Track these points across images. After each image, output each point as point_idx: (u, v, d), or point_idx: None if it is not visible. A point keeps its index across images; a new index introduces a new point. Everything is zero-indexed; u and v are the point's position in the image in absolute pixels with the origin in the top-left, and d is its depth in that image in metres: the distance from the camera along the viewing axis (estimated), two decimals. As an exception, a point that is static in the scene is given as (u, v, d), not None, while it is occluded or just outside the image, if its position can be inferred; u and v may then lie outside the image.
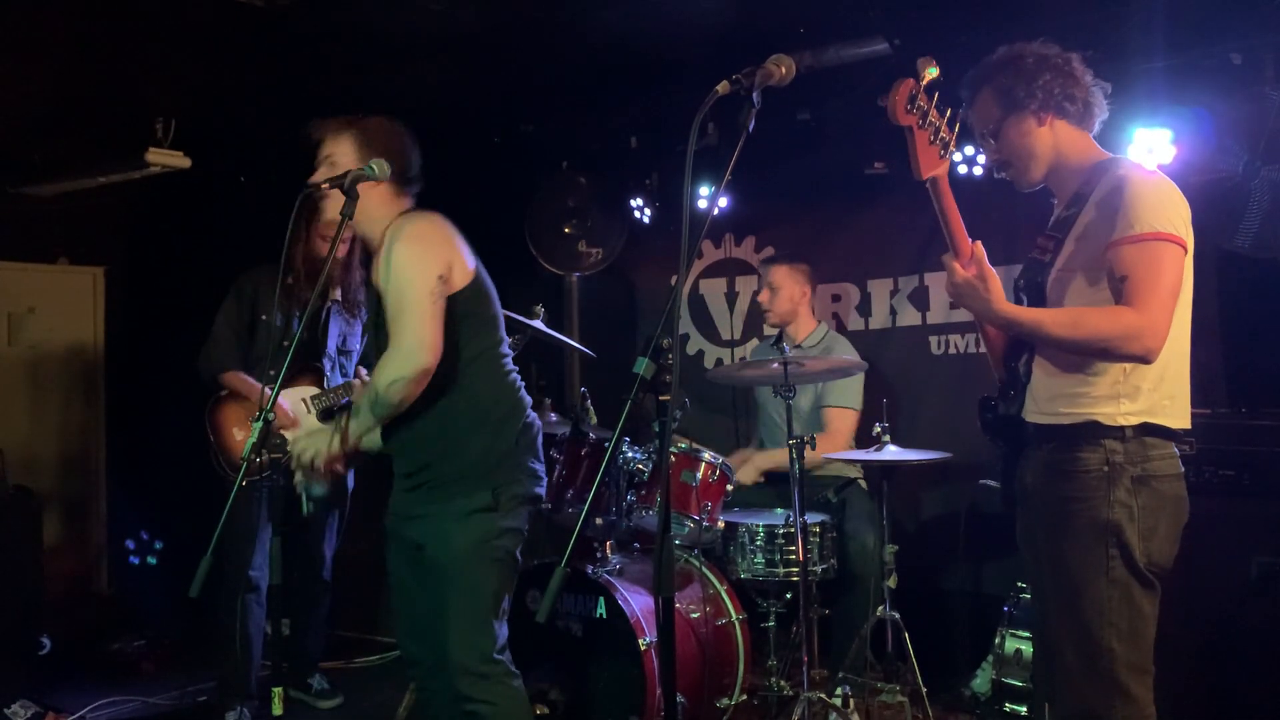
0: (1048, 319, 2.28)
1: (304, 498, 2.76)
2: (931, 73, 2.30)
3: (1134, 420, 2.27)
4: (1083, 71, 2.45)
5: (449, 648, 2.64)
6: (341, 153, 2.76)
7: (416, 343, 2.56)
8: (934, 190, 2.37)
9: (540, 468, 2.81)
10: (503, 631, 2.70)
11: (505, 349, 2.83)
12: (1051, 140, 2.42)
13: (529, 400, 2.85)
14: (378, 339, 2.75)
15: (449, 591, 2.65)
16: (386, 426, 2.72)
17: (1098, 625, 2.25)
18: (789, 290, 4.42)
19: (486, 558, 2.65)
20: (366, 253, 4.10)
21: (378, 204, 2.75)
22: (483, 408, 2.70)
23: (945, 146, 2.35)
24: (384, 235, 2.71)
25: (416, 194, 2.85)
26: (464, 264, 2.71)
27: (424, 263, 2.62)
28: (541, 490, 2.80)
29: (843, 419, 4.32)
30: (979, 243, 2.32)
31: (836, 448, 4.15)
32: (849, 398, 4.34)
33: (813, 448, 3.68)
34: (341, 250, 4.02)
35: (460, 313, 2.67)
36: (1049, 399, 2.37)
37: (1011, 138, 2.44)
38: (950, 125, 2.35)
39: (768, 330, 5.15)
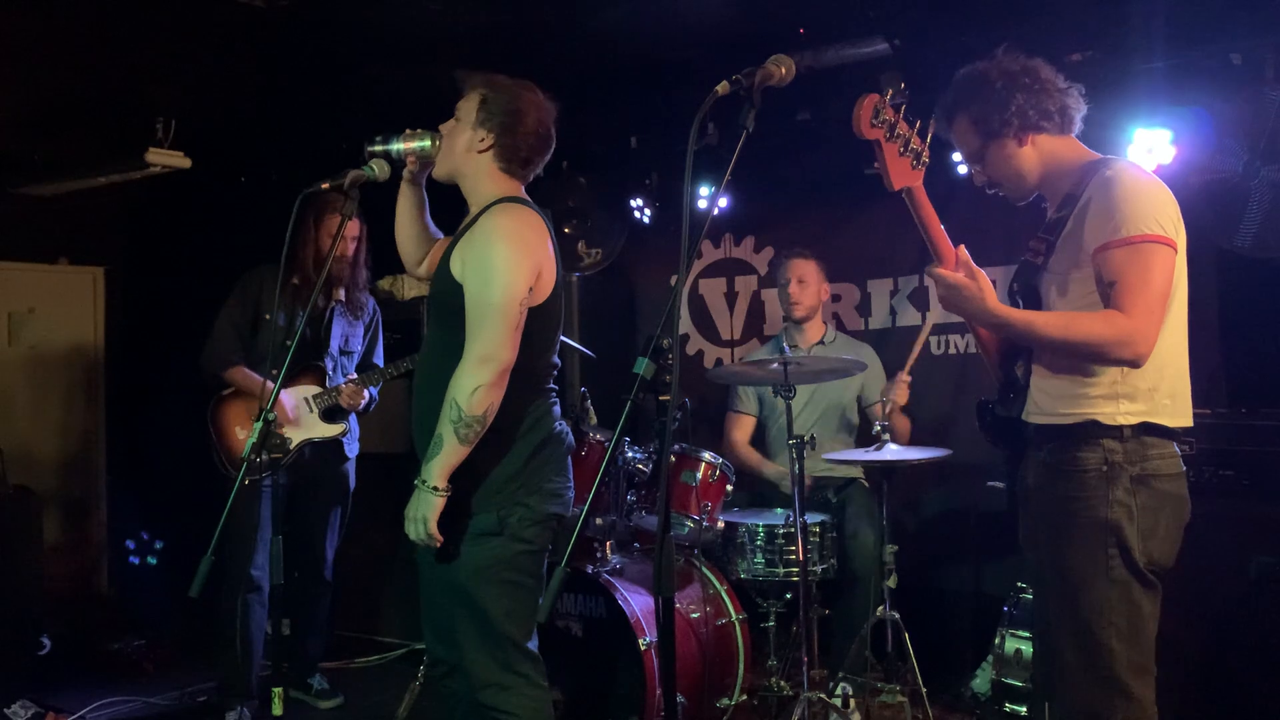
0: (1040, 320, 2.27)
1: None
2: (894, 85, 2.31)
3: (1133, 420, 2.27)
4: (1052, 79, 2.42)
5: (465, 661, 2.60)
6: (466, 111, 2.66)
7: (495, 346, 2.46)
8: (910, 201, 2.37)
9: (561, 483, 2.67)
10: (529, 644, 2.62)
11: (552, 371, 2.72)
12: (1036, 156, 2.42)
13: (558, 414, 2.72)
14: (438, 316, 2.64)
15: (461, 609, 2.60)
16: (419, 428, 2.63)
17: (1098, 625, 2.25)
18: (815, 285, 4.42)
19: (495, 580, 2.56)
20: (371, 253, 4.15)
21: (482, 175, 2.65)
22: (500, 426, 2.56)
23: (917, 157, 2.35)
24: (481, 215, 2.59)
25: (532, 176, 2.72)
26: (551, 277, 2.61)
27: (520, 270, 2.50)
28: (560, 508, 2.67)
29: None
30: (962, 246, 2.32)
31: (906, 430, 4.21)
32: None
33: (813, 448, 3.68)
34: (348, 250, 4.03)
35: (525, 328, 2.55)
36: (1048, 400, 2.37)
37: (996, 163, 2.44)
38: (921, 135, 2.35)
39: (766, 330, 5.18)
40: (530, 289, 2.54)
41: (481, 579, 2.56)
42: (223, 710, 3.92)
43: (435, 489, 2.48)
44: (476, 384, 2.46)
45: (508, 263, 2.51)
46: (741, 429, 4.57)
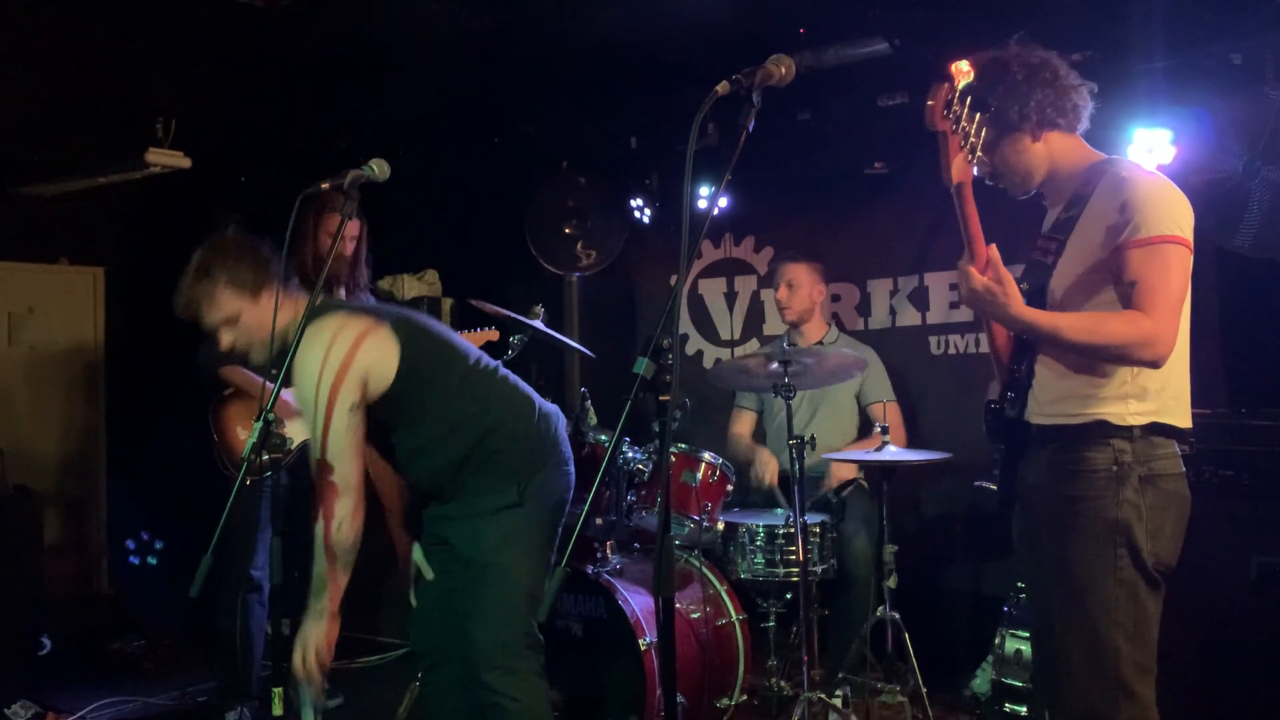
0: (1065, 323, 2.26)
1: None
2: (964, 75, 2.27)
3: (1143, 420, 2.27)
4: (1068, 76, 2.41)
5: (477, 640, 2.65)
6: (224, 305, 2.69)
7: (342, 483, 2.54)
8: (958, 196, 2.36)
9: (565, 451, 2.80)
10: (532, 628, 2.69)
11: (481, 363, 2.79)
12: (1046, 153, 2.41)
13: (533, 394, 2.81)
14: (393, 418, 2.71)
15: (479, 586, 2.66)
16: (406, 476, 2.74)
17: (1105, 625, 2.24)
18: (807, 289, 4.41)
19: (516, 550, 2.66)
20: (372, 252, 4.16)
21: (285, 316, 2.68)
22: (482, 428, 2.68)
23: (973, 152, 2.32)
24: (295, 341, 2.55)
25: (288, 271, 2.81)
26: (385, 363, 2.62)
27: (341, 399, 2.54)
28: (568, 479, 2.79)
29: (895, 411, 4.34)
30: (993, 246, 2.31)
31: (901, 440, 4.15)
32: (890, 390, 4.37)
33: (813, 448, 3.68)
34: (348, 249, 4.03)
35: (407, 389, 2.62)
36: (1054, 400, 2.37)
37: (1007, 156, 2.42)
38: (978, 132, 2.32)
39: (766, 330, 5.17)
40: (353, 406, 2.56)
41: (503, 549, 2.65)
42: (223, 710, 3.92)
43: (333, 615, 2.66)
44: (340, 517, 2.56)
45: (324, 396, 2.55)
46: (741, 423, 4.59)
